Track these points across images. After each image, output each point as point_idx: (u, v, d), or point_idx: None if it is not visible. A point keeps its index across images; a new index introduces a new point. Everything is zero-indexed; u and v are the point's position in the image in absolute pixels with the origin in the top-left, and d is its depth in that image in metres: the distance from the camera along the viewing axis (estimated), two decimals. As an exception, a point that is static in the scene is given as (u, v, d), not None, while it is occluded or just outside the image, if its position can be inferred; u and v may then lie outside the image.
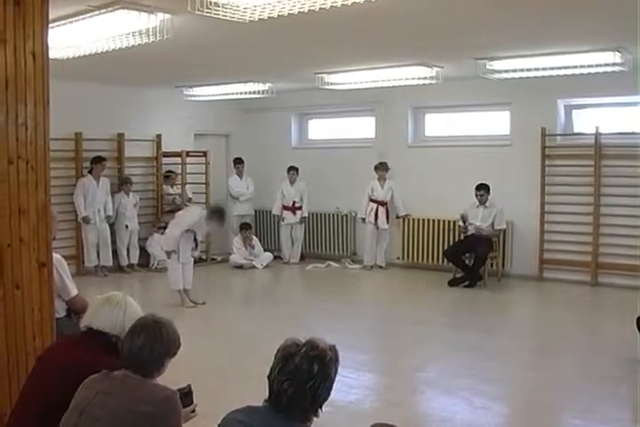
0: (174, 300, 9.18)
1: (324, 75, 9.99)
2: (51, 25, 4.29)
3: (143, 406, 2.80)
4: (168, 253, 9.21)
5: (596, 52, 8.13)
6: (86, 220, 11.10)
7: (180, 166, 12.23)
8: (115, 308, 3.39)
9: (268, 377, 2.60)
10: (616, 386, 6.02)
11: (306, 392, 2.53)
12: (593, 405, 5.62)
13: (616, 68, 8.37)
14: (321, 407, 2.61)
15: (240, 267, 12.15)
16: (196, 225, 9.03)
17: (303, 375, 2.53)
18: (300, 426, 2.58)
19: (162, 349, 3.02)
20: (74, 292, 4.85)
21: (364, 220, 12.05)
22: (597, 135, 10.25)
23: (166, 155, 12.33)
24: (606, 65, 8.36)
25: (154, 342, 3.00)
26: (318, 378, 2.55)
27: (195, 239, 9.21)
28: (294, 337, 2.68)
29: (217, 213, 9.05)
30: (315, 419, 2.62)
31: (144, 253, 12.03)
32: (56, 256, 4.58)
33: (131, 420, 2.78)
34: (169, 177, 12.41)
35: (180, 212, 9.86)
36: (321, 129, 13.75)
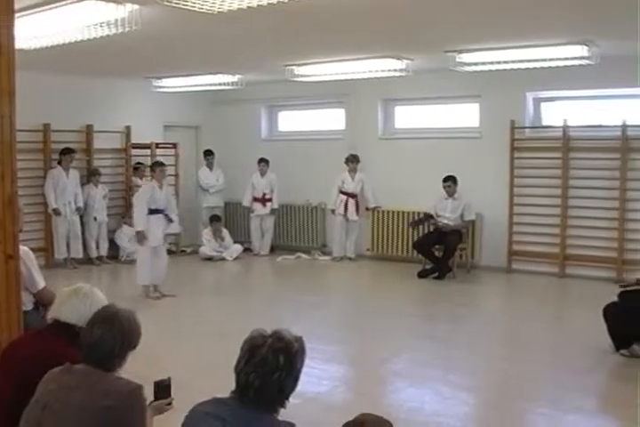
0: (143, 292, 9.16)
1: (293, 67, 9.97)
2: (17, 14, 4.24)
3: (107, 400, 2.79)
4: (139, 238, 9.14)
5: (564, 46, 8.19)
6: (57, 212, 11.03)
7: (149, 158, 12.14)
8: (81, 299, 3.37)
9: (235, 369, 2.61)
10: (583, 376, 6.10)
11: (272, 384, 2.54)
12: (560, 394, 5.68)
13: (584, 62, 8.43)
14: (288, 398, 2.61)
15: (210, 259, 12.13)
16: (153, 199, 9.01)
17: (269, 367, 2.54)
18: (267, 417, 2.58)
19: (121, 340, 2.99)
20: (41, 284, 4.81)
21: (333, 211, 12.08)
22: (565, 128, 10.33)
23: (135, 146, 12.27)
24: (574, 58, 8.43)
25: (113, 333, 2.98)
26: (285, 370, 2.56)
27: (169, 219, 9.17)
28: (260, 329, 2.68)
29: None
30: (282, 410, 2.62)
31: (113, 246, 11.98)
32: (23, 249, 4.53)
33: (95, 414, 2.77)
34: (138, 169, 12.32)
35: None
36: (291, 121, 13.74)
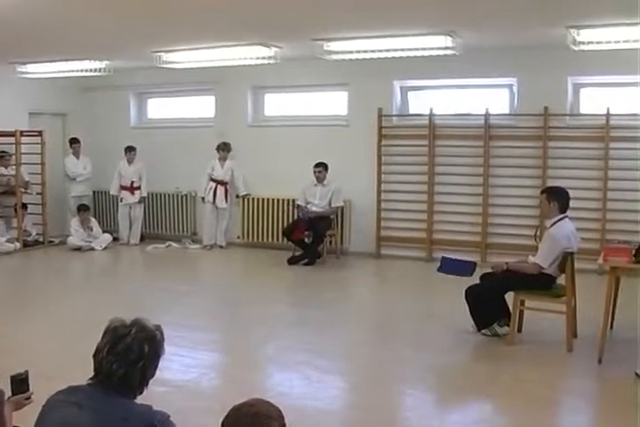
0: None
1: (161, 53, 9.82)
2: None
3: None
4: None
5: (429, 36, 8.36)
6: None
7: (14, 146, 11.75)
8: None
9: (95, 357, 2.64)
10: (447, 356, 6.30)
11: (136, 372, 2.62)
12: (425, 375, 5.85)
13: (448, 52, 8.62)
14: (147, 385, 2.70)
15: (78, 249, 11.84)
16: None
17: (134, 356, 2.61)
18: (127, 401, 2.62)
19: None
20: None
21: (203, 199, 12.02)
22: (431, 116, 10.59)
23: (-1, 134, 11.84)
24: (439, 48, 8.60)
25: None
26: (149, 358, 2.65)
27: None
28: (119, 317, 2.73)
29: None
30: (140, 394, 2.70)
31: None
32: None
33: None
34: (2, 157, 11.85)
35: None
36: (160, 108, 13.56)
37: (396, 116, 11.04)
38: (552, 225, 6.43)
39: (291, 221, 11.20)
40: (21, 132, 11.82)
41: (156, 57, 9.85)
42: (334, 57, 9.08)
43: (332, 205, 10.81)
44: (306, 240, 10.54)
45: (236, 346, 6.85)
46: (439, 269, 6.90)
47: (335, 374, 5.91)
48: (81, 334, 6.82)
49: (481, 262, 8.07)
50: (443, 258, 7.04)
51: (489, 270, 6.78)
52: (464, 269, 6.72)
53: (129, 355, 2.60)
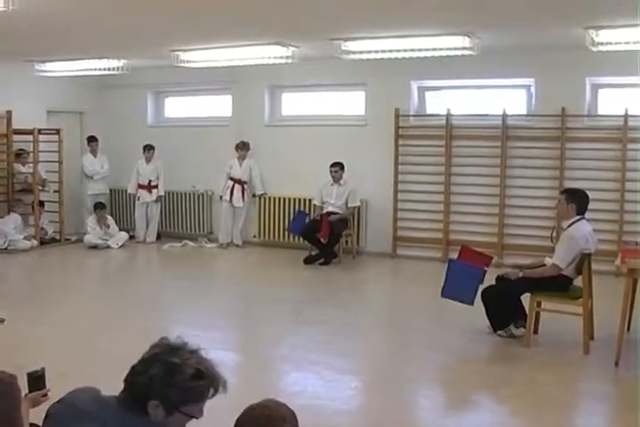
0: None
1: (179, 52, 9.84)
2: None
3: None
4: None
5: (447, 36, 8.34)
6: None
7: (32, 144, 11.81)
8: None
9: (129, 375, 2.48)
10: (463, 357, 6.30)
11: (141, 380, 2.42)
12: (440, 375, 5.86)
13: (466, 52, 8.60)
14: (179, 409, 2.45)
15: (95, 247, 11.88)
16: None
17: (165, 382, 2.40)
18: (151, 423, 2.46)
19: None
20: None
21: (221, 198, 12.03)
22: (449, 116, 10.56)
23: (17, 132, 11.86)
24: (456, 49, 8.58)
25: None
26: (170, 386, 2.41)
27: None
28: (167, 338, 2.54)
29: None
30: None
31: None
32: None
33: None
34: (20, 155, 11.97)
35: None
36: (178, 107, 13.58)
37: (413, 117, 11.02)
38: (569, 226, 6.40)
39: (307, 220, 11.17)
40: (39, 130, 11.87)
41: (173, 56, 9.87)
42: (352, 57, 9.07)
43: (349, 205, 10.79)
44: (322, 240, 10.53)
45: (251, 344, 6.87)
46: (442, 295, 6.80)
47: (350, 374, 5.90)
48: (96, 331, 6.90)
49: (497, 261, 8.00)
50: (450, 261, 7.01)
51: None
52: (469, 287, 6.57)
53: (160, 380, 2.39)
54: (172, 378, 2.40)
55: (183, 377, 2.40)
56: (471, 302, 6.53)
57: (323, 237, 10.40)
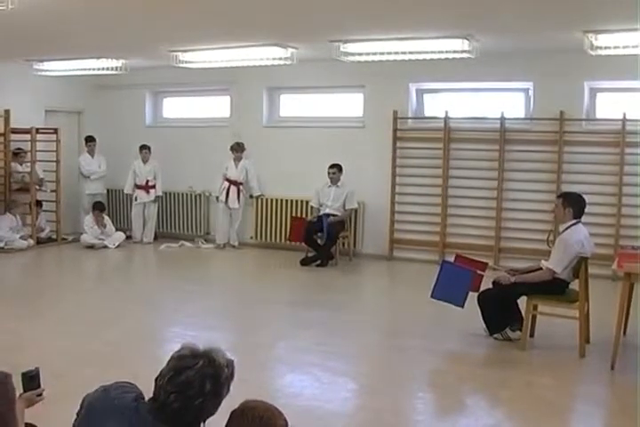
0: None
1: (178, 53, 9.83)
2: None
3: None
4: None
5: (445, 39, 8.36)
6: None
7: (29, 143, 11.80)
8: None
9: (156, 381, 2.49)
10: (458, 359, 6.31)
11: (192, 409, 2.43)
12: (436, 378, 5.87)
13: (464, 55, 8.61)
14: (203, 422, 2.51)
15: (91, 247, 11.88)
16: None
17: (194, 392, 2.41)
18: None
19: None
20: None
21: (217, 198, 12.03)
22: (447, 119, 10.57)
23: (15, 131, 11.84)
24: (455, 52, 8.59)
25: None
26: (209, 396, 2.44)
27: None
28: (192, 343, 2.55)
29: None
30: None
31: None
32: None
33: None
34: (18, 154, 11.95)
35: None
36: (176, 107, 13.57)
37: (411, 119, 11.03)
38: (565, 230, 6.40)
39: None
40: (37, 129, 11.88)
41: (172, 56, 9.86)
42: (350, 58, 9.08)
43: (347, 208, 10.80)
44: (319, 242, 10.53)
45: (247, 345, 6.84)
46: (432, 296, 6.79)
47: (346, 376, 5.89)
48: (92, 332, 6.88)
49: (492, 266, 8.00)
50: (443, 262, 7.01)
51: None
52: (459, 289, 6.57)
53: (188, 389, 2.40)
54: (220, 397, 2.51)
55: (226, 392, 2.54)
56: (461, 305, 6.52)
57: (293, 241, 10.69)
